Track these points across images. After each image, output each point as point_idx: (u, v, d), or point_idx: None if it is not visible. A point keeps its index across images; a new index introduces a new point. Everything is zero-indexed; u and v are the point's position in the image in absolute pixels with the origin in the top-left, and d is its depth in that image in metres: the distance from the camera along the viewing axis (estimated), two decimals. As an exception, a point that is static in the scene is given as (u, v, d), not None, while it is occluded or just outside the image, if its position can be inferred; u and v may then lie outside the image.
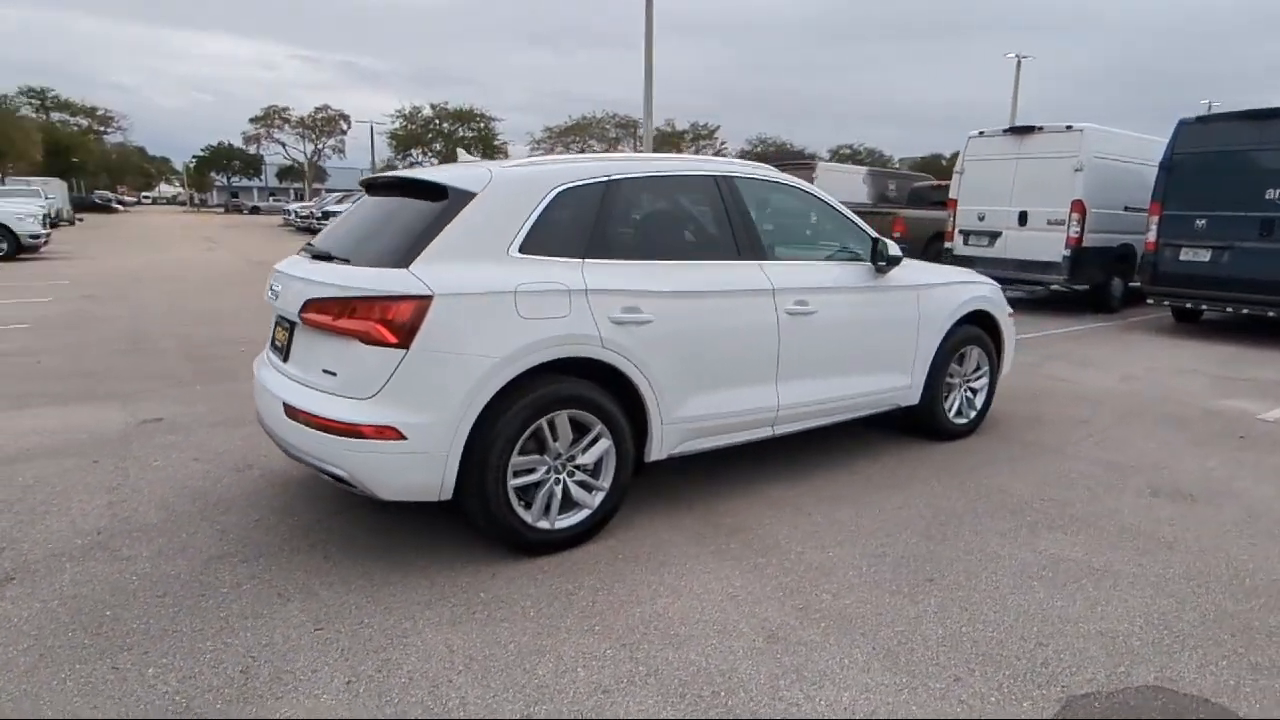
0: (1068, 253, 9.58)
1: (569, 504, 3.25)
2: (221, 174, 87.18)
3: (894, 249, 4.13)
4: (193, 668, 2.42)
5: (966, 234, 10.76)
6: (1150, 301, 9.19)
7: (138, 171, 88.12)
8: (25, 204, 19.53)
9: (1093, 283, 10.10)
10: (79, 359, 7.02)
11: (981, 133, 10.59)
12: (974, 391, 4.90)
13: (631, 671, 2.42)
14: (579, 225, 3.26)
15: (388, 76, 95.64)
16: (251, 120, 59.23)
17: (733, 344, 3.60)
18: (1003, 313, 4.93)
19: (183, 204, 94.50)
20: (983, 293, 4.79)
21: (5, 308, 9.90)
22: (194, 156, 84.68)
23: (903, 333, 4.33)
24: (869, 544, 3.35)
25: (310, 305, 2.97)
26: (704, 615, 2.76)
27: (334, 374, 2.94)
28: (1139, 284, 9.52)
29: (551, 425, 3.13)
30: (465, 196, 3.09)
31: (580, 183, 3.31)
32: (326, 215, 27.02)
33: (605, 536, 3.37)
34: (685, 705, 2.26)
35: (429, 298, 2.84)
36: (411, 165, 54.43)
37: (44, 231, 18.03)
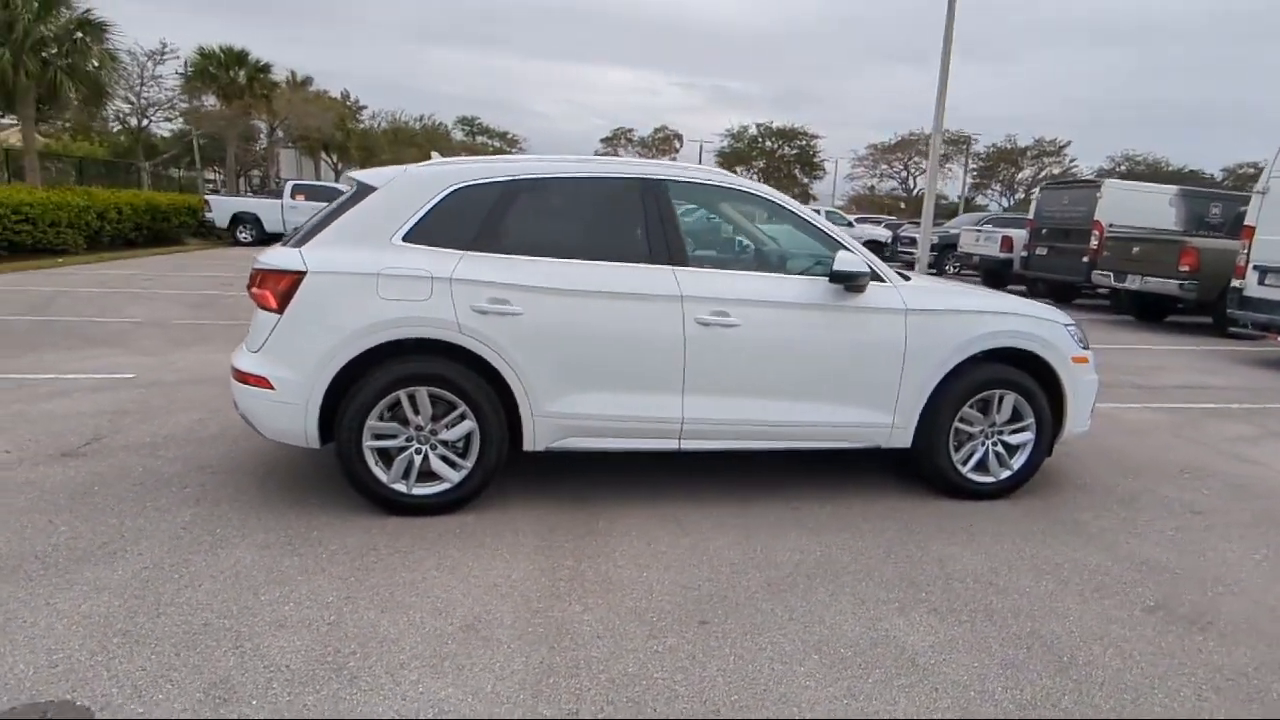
0: (1407, 303, 6.90)
1: (431, 475, 3.52)
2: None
3: (849, 265, 3.59)
4: (82, 532, 3.23)
5: (1264, 271, 8.27)
6: None
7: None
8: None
9: None
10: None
11: (1299, 140, 8.06)
12: (1009, 448, 3.99)
13: (317, 617, 2.65)
14: (468, 220, 3.51)
15: (752, 99, 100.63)
16: (601, 140, 66.74)
17: (622, 347, 3.52)
18: (1061, 354, 3.92)
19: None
20: (1019, 326, 3.88)
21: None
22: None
23: (879, 362, 3.75)
24: (697, 576, 3.07)
25: (250, 276, 3.68)
26: (443, 595, 2.85)
27: (249, 331, 3.61)
28: None
29: (412, 399, 3.44)
30: (369, 190, 3.55)
31: (476, 182, 3.55)
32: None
33: (468, 512, 3.56)
34: (298, 656, 2.42)
35: (303, 273, 3.35)
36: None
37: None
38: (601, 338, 3.51)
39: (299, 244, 3.49)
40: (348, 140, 46.89)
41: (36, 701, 2.16)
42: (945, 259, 18.98)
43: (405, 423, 3.47)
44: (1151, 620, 2.86)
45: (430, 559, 3.13)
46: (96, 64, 20.73)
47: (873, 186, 56.49)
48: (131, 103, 31.63)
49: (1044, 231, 13.55)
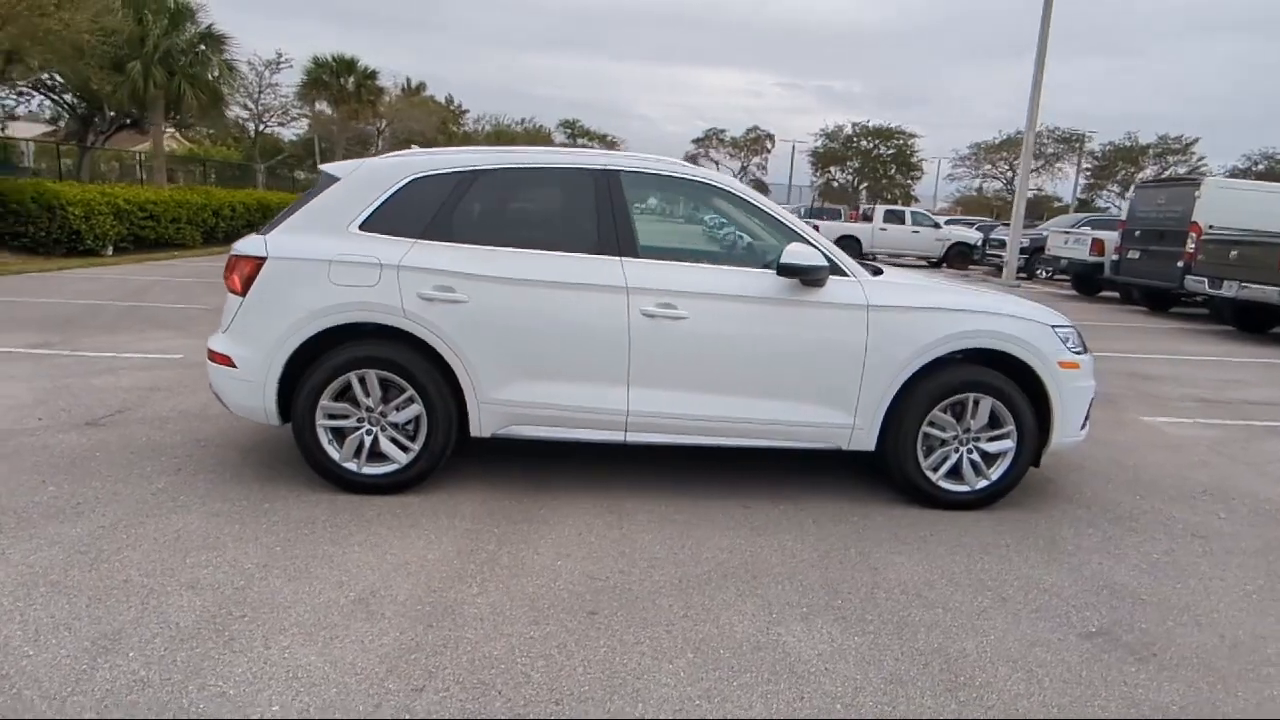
0: None
1: (381, 455, 3.63)
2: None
3: (798, 257, 3.44)
4: (66, 492, 3.51)
5: (1373, 277, 7.35)
6: None
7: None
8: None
9: None
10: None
11: None
12: (986, 456, 3.73)
13: (228, 581, 2.79)
14: (423, 209, 3.60)
15: (856, 98, 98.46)
16: (693, 141, 66.57)
17: (565, 337, 3.52)
18: (1044, 358, 3.62)
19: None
20: (996, 326, 3.61)
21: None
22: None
23: (838, 359, 3.58)
24: (611, 568, 3.04)
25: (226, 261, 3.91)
26: (353, 569, 2.94)
27: (222, 313, 3.84)
28: None
29: (363, 381, 3.55)
30: (333, 180, 3.70)
31: (433, 172, 3.64)
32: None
33: (416, 492, 3.65)
34: (192, 616, 2.56)
35: (264, 259, 3.53)
36: (828, 182, 55.51)
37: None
38: (544, 327, 3.52)
39: (267, 231, 3.68)
40: (450, 143, 48.90)
41: (-53, 637, 2.38)
42: (1035, 262, 17.88)
43: (357, 404, 3.59)
44: (1084, 646, 2.61)
45: (359, 535, 3.23)
46: (216, 74, 22.46)
47: (980, 187, 53.91)
48: (250, 109, 34.10)
49: (1137, 234, 12.54)
